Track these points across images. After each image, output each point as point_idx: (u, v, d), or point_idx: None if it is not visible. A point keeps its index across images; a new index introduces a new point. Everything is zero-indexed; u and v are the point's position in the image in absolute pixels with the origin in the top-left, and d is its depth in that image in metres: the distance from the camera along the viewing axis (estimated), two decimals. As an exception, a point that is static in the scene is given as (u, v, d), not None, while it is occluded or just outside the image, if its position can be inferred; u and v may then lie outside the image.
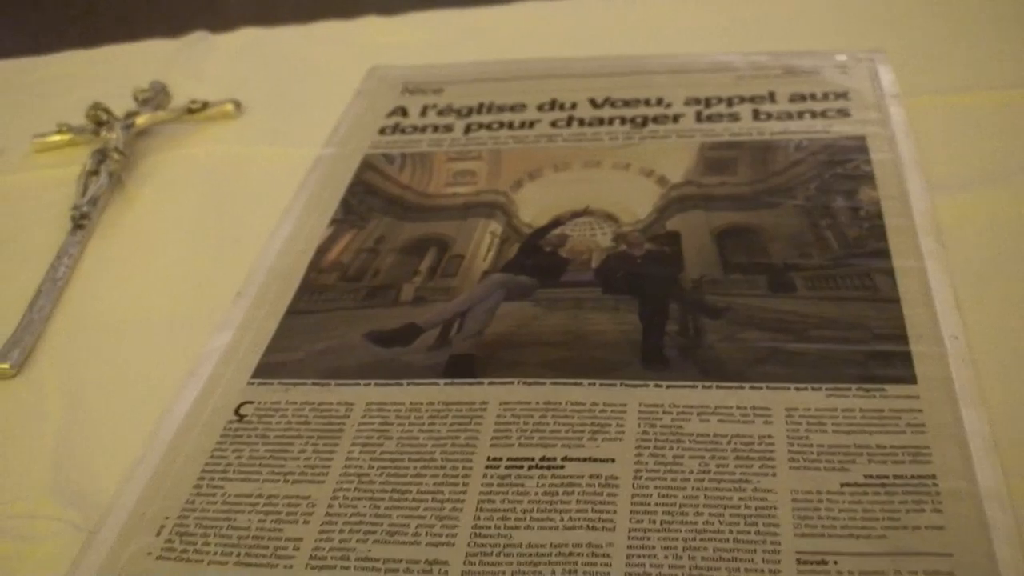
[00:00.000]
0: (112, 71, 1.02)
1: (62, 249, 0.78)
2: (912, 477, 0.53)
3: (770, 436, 0.56)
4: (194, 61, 1.01)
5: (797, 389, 0.59)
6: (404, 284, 0.71)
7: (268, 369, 0.66)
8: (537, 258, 0.72)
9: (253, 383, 0.65)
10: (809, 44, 0.89)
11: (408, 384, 0.63)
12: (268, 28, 1.05)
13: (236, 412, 0.63)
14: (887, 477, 0.53)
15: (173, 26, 1.08)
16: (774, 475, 0.54)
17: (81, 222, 0.79)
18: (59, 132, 0.90)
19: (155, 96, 0.92)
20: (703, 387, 0.60)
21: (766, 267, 0.68)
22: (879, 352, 0.61)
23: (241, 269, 0.74)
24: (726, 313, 0.65)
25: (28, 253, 0.80)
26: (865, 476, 0.54)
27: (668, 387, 0.60)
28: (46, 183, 0.87)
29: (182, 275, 0.76)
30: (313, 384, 0.64)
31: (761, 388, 0.59)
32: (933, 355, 0.60)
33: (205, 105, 0.90)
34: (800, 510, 0.52)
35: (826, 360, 0.61)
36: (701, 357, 0.62)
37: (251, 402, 0.63)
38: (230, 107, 0.90)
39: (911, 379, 0.59)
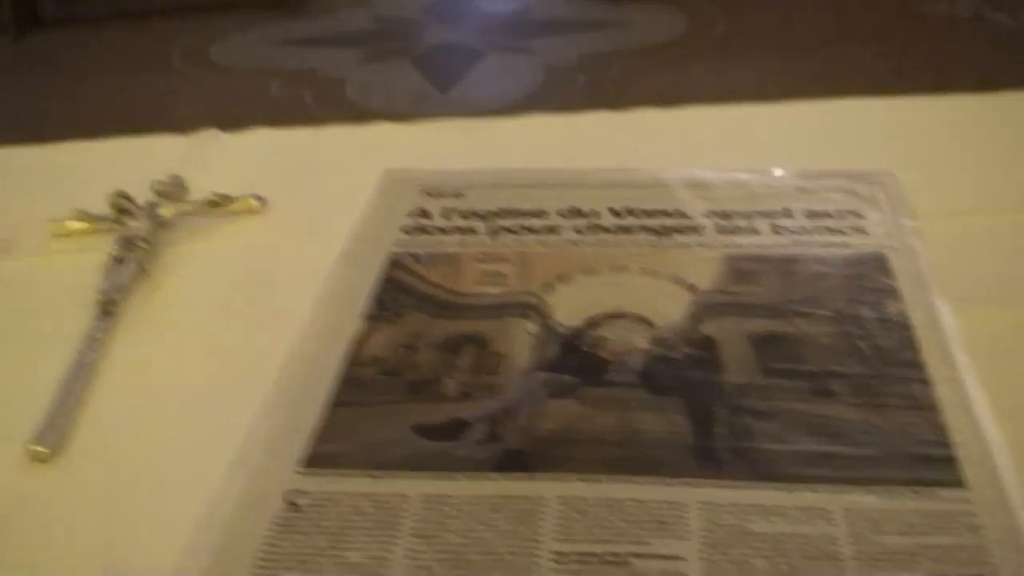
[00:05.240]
0: (123, 163, 1.02)
1: (89, 334, 0.77)
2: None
3: (834, 537, 0.57)
4: (207, 157, 1.01)
5: (852, 491, 0.60)
6: (446, 379, 0.71)
7: (317, 460, 0.65)
8: (576, 358, 0.73)
9: (303, 473, 0.65)
10: (819, 163, 0.92)
11: (462, 478, 0.63)
12: (279, 129, 1.06)
13: (289, 502, 0.62)
14: None
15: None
16: (843, 576, 0.55)
17: (109, 308, 0.79)
18: (77, 218, 0.90)
19: (174, 189, 0.92)
20: (759, 488, 0.61)
21: (806, 374, 0.70)
22: (926, 456, 0.62)
23: (272, 359, 0.74)
24: (773, 416, 0.66)
25: (48, 338, 0.79)
26: None
27: (726, 487, 0.61)
28: (63, 269, 0.87)
29: (214, 363, 0.76)
30: (365, 475, 0.64)
31: (817, 490, 0.60)
32: (978, 459, 0.62)
33: (228, 199, 0.90)
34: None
35: (875, 463, 0.62)
36: (753, 458, 0.63)
37: (304, 492, 0.63)
38: (254, 202, 0.90)
39: (961, 483, 0.60)
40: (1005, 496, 0.59)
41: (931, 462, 0.62)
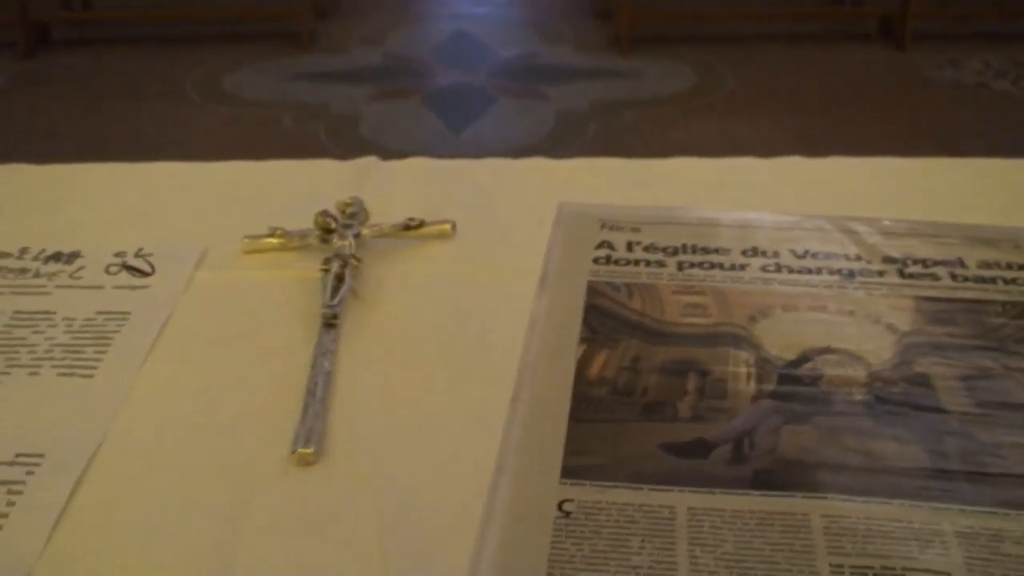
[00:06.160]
0: (287, 184, 1.06)
1: (321, 345, 0.80)
2: None
3: None
4: (372, 183, 1.05)
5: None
6: (678, 402, 0.75)
7: (575, 471, 0.69)
8: (799, 388, 0.76)
9: (565, 483, 0.68)
10: (963, 219, 0.97)
11: (721, 493, 0.67)
12: (435, 159, 1.09)
13: (560, 508, 0.66)
14: None
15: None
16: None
17: (332, 321, 0.82)
18: (272, 235, 0.93)
19: (359, 211, 0.95)
20: (1003, 514, 0.65)
21: (1017, 407, 0.74)
22: None
23: (497, 376, 0.78)
24: (998, 447, 0.70)
25: (269, 348, 0.82)
26: None
27: (973, 512, 0.65)
28: (262, 281, 0.90)
29: (442, 377, 0.79)
30: (627, 487, 0.67)
31: (1062, 516, 0.65)
32: None
33: (422, 223, 0.94)
34: None
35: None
36: (991, 484, 0.67)
37: (571, 500, 0.67)
38: (447, 227, 0.94)
39: None
40: None
41: None
